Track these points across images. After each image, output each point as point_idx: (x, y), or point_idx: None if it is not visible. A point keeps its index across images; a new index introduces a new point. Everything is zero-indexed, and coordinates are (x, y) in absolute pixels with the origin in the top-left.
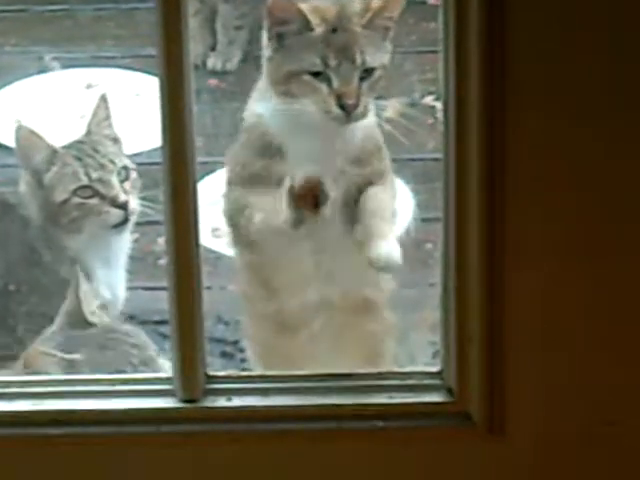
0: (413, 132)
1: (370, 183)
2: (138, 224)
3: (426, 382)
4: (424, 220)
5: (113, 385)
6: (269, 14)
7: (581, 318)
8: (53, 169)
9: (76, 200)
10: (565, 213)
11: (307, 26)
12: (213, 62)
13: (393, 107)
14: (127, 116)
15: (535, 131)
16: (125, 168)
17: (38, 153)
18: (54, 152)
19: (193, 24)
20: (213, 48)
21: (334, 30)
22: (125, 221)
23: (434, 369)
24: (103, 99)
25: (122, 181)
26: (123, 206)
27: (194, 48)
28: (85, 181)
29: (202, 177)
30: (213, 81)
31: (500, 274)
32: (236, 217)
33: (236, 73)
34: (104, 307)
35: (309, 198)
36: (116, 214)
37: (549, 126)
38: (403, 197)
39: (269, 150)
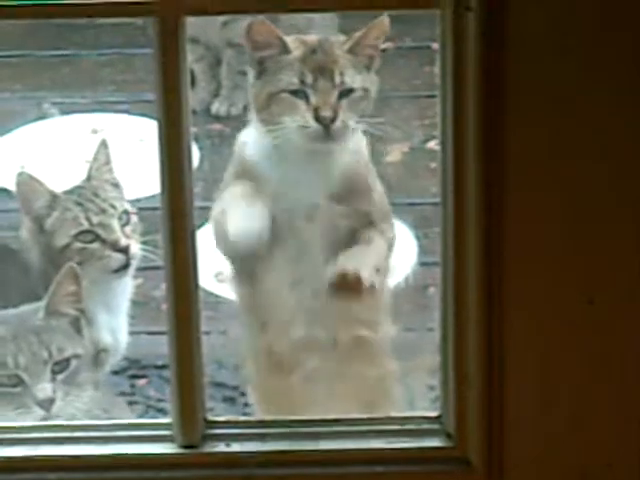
0: (416, 176)
1: (358, 228)
2: (141, 269)
3: (425, 427)
4: (428, 264)
5: (112, 431)
6: (248, 39)
7: (581, 362)
8: (54, 214)
9: (77, 245)
10: (564, 258)
11: (286, 49)
12: (217, 107)
13: (395, 151)
14: (131, 161)
15: (534, 177)
16: (126, 212)
17: (39, 199)
18: (55, 197)
19: (197, 69)
20: (217, 93)
21: (313, 51)
22: (126, 265)
23: (433, 414)
24: (103, 144)
25: (123, 225)
26: (124, 250)
27: (198, 93)
28: (86, 225)
29: (206, 221)
30: (217, 126)
31: (499, 319)
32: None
33: (240, 118)
34: (105, 351)
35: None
36: (117, 258)
37: (549, 170)
38: (405, 241)
39: (248, 176)
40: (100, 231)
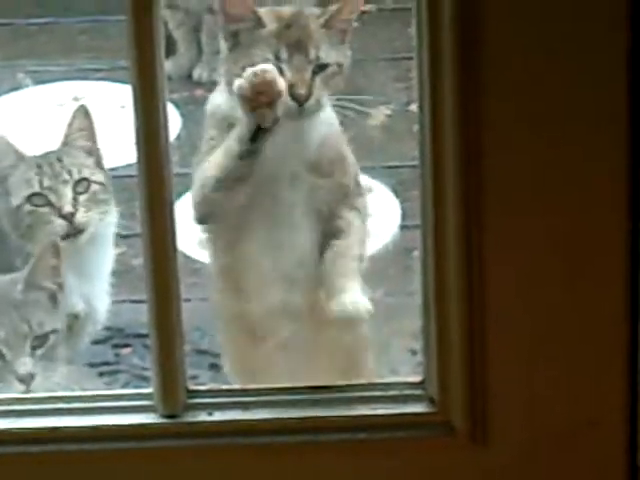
0: (398, 139)
1: (336, 200)
2: (123, 237)
3: (408, 392)
4: (412, 227)
5: (93, 401)
6: (222, 11)
7: (564, 323)
8: (16, 174)
9: (28, 207)
10: (545, 218)
11: (260, 23)
12: (199, 73)
13: (378, 114)
14: (113, 128)
15: (513, 138)
16: (86, 180)
17: (5, 158)
18: (21, 158)
19: (178, 36)
20: (198, 59)
21: (288, 26)
22: (74, 233)
23: (416, 379)
24: (79, 110)
25: (79, 193)
26: (67, 217)
27: (179, 59)
28: (37, 188)
29: (187, 189)
30: (199, 91)
31: (480, 282)
32: (195, 195)
33: None
34: (75, 317)
35: (263, 96)
36: (60, 225)
37: (528, 131)
38: (389, 205)
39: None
40: (51, 195)
